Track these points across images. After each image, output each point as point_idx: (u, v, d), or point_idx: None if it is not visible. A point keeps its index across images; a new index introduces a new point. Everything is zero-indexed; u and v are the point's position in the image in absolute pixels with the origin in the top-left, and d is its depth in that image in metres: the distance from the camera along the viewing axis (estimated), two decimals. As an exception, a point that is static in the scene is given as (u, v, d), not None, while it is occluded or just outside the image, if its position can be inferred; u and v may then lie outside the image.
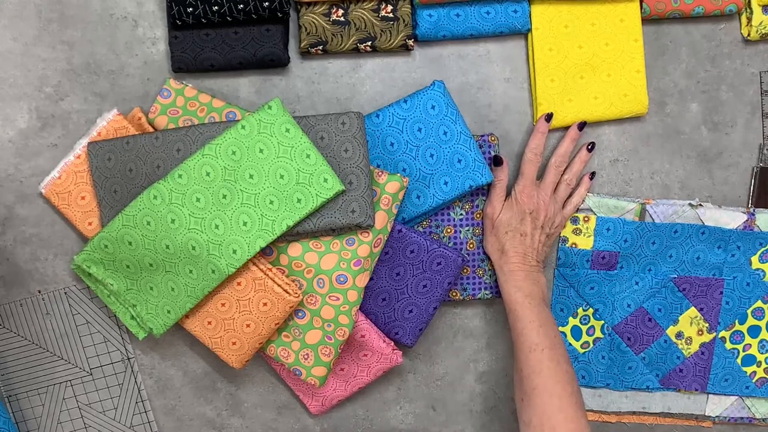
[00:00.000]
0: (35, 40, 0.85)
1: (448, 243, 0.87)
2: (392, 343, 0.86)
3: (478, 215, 0.87)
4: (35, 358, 0.87)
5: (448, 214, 0.87)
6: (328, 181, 0.77)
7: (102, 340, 0.87)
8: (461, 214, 0.87)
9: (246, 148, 0.77)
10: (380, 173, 0.80)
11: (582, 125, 0.87)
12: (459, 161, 0.84)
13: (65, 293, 0.87)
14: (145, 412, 0.89)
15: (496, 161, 0.86)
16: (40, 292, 0.87)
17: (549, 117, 0.86)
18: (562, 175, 0.88)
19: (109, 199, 0.81)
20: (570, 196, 0.88)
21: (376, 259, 0.82)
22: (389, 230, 0.82)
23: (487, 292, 0.88)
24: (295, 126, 0.77)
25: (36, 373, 0.88)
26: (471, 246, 0.88)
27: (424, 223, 0.87)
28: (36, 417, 0.88)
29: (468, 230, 0.87)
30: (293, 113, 0.86)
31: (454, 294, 0.88)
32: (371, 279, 0.84)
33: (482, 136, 0.87)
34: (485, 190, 0.88)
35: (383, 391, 0.92)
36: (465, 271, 0.88)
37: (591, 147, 0.88)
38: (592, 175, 0.89)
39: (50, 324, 0.87)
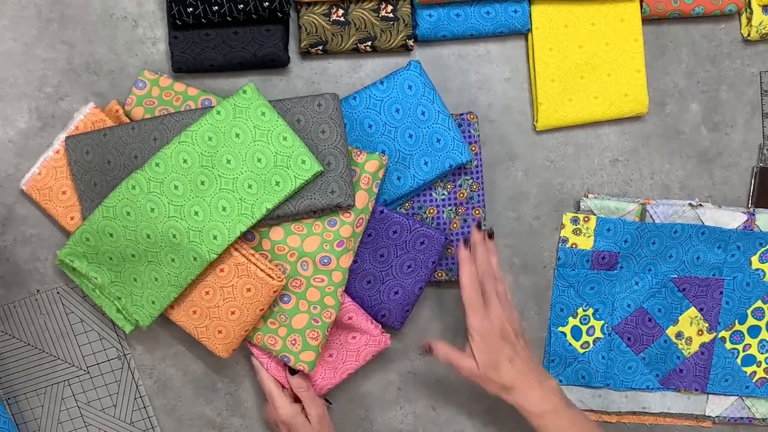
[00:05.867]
0: (35, 40, 0.85)
1: (432, 224, 0.87)
2: (380, 326, 0.86)
3: (460, 195, 0.87)
4: (33, 359, 0.87)
5: (431, 195, 0.87)
6: (306, 162, 0.77)
7: (97, 338, 0.87)
8: (443, 194, 0.87)
9: (222, 134, 0.77)
10: (359, 153, 0.80)
11: (479, 223, 0.83)
12: (438, 141, 0.84)
13: (58, 293, 0.86)
14: (145, 407, 0.89)
15: (428, 350, 0.81)
16: (38, 291, 0.87)
17: (465, 241, 0.81)
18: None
19: (89, 192, 0.81)
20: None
21: (359, 239, 0.82)
22: (371, 210, 0.82)
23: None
24: (271, 109, 0.77)
25: (35, 374, 0.87)
26: (455, 226, 0.87)
27: (407, 204, 0.87)
28: (36, 418, 0.88)
29: (451, 210, 0.87)
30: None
31: (439, 275, 0.88)
32: (355, 262, 0.84)
33: (461, 114, 0.87)
34: (466, 168, 0.87)
35: (383, 391, 0.92)
36: (449, 251, 0.88)
37: (479, 225, 0.83)
38: (491, 233, 0.83)
39: (46, 324, 0.87)
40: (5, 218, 0.86)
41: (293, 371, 0.83)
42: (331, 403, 0.86)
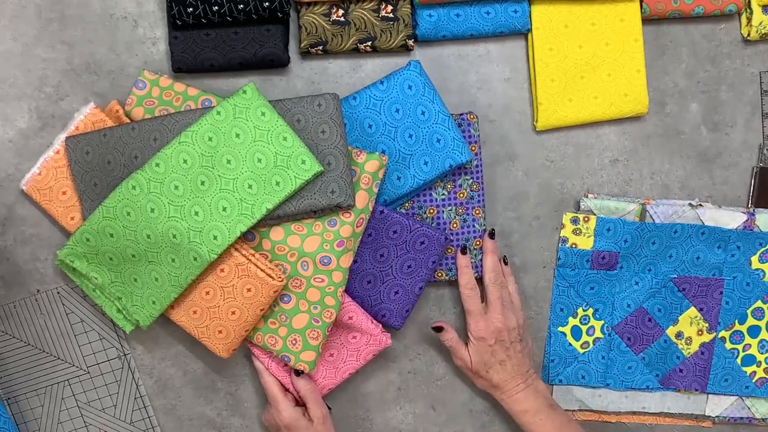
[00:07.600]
0: (35, 40, 0.85)
1: (432, 224, 0.87)
2: (380, 325, 0.86)
3: (460, 195, 0.87)
4: (33, 359, 0.87)
5: (431, 195, 0.87)
6: (306, 162, 0.77)
7: (97, 338, 0.87)
8: (443, 194, 0.87)
9: (222, 134, 0.77)
10: (359, 153, 0.80)
11: (492, 234, 0.87)
12: (438, 140, 0.84)
13: (58, 293, 0.86)
14: (145, 407, 0.89)
15: (437, 329, 0.87)
16: (39, 291, 0.87)
17: (463, 250, 0.86)
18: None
19: (89, 192, 0.81)
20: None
21: (359, 239, 0.82)
22: (371, 210, 0.82)
23: (473, 271, 0.88)
24: (271, 109, 0.77)
25: (35, 374, 0.88)
26: (455, 226, 0.87)
27: (407, 204, 0.87)
28: (36, 418, 0.88)
29: (451, 210, 0.87)
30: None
31: (439, 274, 0.88)
32: (355, 262, 0.84)
33: (461, 114, 0.87)
34: (466, 168, 0.87)
35: (383, 391, 0.92)
36: (449, 251, 0.88)
37: (492, 234, 0.87)
38: (505, 259, 0.89)
39: (46, 324, 0.87)
40: (5, 218, 0.86)
41: (298, 372, 0.84)
42: (330, 409, 0.87)
